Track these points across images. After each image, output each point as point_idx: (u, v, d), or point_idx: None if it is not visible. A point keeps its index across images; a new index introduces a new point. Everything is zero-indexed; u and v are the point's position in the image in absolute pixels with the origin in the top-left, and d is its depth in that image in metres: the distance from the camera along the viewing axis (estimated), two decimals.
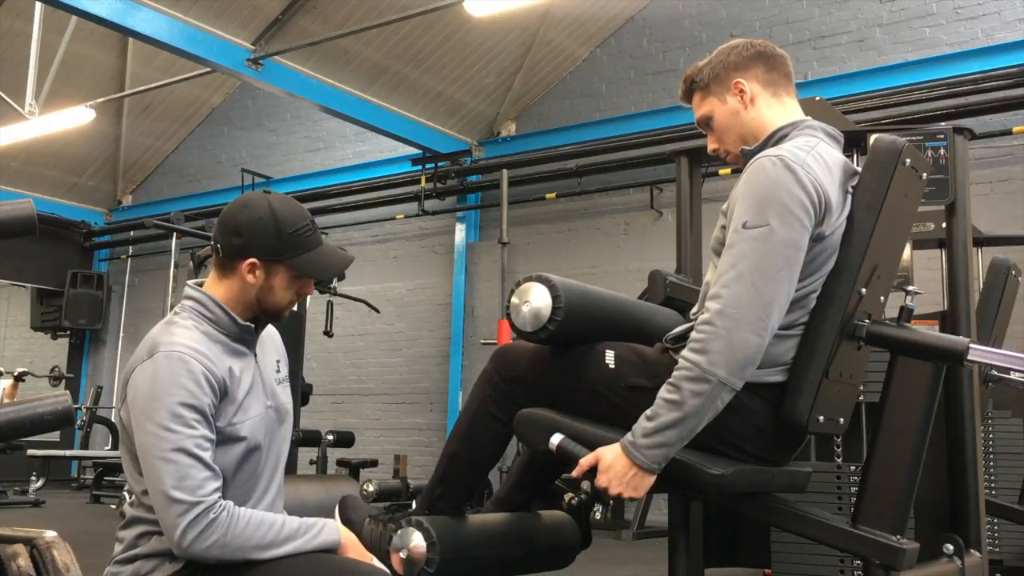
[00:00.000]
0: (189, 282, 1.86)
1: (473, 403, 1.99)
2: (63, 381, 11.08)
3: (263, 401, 1.84)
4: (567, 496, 2.19)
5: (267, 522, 1.69)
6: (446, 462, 2.02)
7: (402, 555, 1.86)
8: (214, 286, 1.83)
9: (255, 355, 1.87)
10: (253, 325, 1.85)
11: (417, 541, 1.85)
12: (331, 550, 1.75)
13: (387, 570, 1.78)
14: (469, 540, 1.97)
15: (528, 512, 2.18)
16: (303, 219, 1.83)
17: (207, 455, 1.66)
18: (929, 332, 1.85)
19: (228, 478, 1.74)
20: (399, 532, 1.88)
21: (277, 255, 1.79)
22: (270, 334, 1.97)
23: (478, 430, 1.97)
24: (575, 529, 2.23)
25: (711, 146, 2.02)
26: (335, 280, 6.68)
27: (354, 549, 1.78)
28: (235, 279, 1.81)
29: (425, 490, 2.05)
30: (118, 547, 1.75)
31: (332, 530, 1.77)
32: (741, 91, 1.94)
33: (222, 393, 1.73)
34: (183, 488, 1.61)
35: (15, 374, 8.64)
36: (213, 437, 1.70)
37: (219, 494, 1.66)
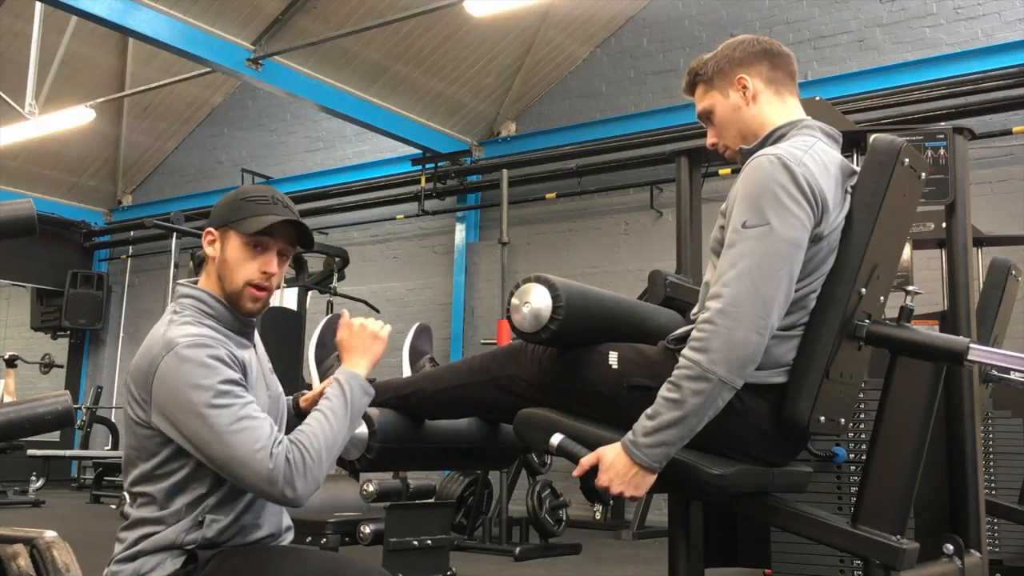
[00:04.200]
0: (180, 281, 1.86)
1: (467, 376, 2.03)
2: (52, 369, 11.15)
3: (265, 392, 1.86)
4: None
5: (321, 423, 1.73)
6: (414, 392, 2.11)
7: None
8: (205, 282, 1.84)
9: (254, 346, 1.89)
10: (253, 317, 1.86)
11: (360, 429, 2.02)
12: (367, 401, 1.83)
13: (387, 572, 1.78)
14: (409, 432, 2.12)
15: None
16: (264, 192, 1.83)
17: (263, 413, 1.70)
18: (929, 332, 1.84)
19: None
20: None
21: (226, 220, 1.80)
22: None
23: (456, 399, 2.06)
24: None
25: (710, 140, 2.03)
26: (335, 280, 6.67)
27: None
28: (209, 263, 1.83)
29: (387, 388, 2.14)
30: (119, 547, 1.75)
31: (360, 391, 1.81)
32: (744, 87, 1.94)
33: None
34: (263, 447, 1.64)
35: (5, 357, 8.71)
36: (255, 399, 1.73)
37: (284, 436, 1.70)
